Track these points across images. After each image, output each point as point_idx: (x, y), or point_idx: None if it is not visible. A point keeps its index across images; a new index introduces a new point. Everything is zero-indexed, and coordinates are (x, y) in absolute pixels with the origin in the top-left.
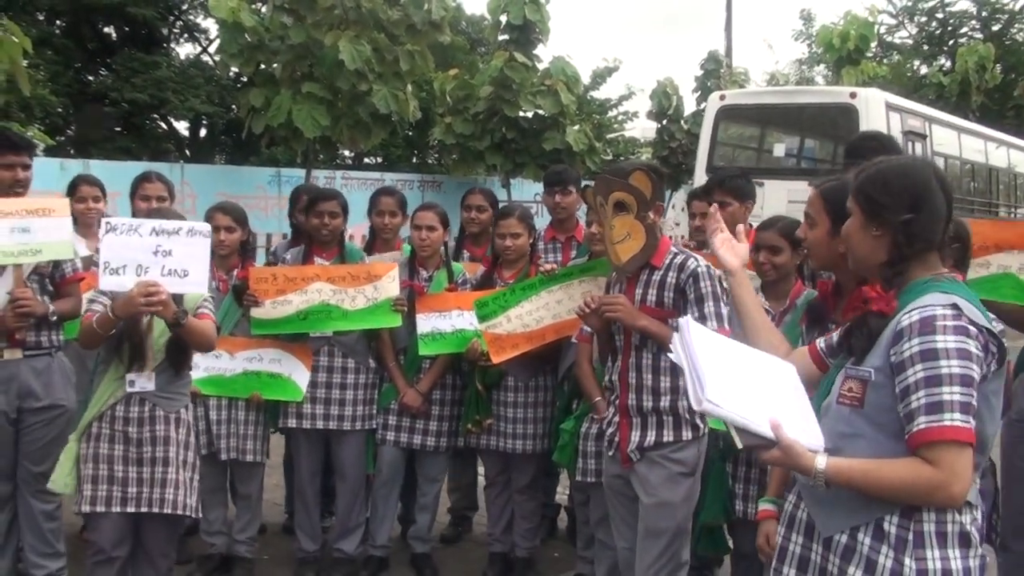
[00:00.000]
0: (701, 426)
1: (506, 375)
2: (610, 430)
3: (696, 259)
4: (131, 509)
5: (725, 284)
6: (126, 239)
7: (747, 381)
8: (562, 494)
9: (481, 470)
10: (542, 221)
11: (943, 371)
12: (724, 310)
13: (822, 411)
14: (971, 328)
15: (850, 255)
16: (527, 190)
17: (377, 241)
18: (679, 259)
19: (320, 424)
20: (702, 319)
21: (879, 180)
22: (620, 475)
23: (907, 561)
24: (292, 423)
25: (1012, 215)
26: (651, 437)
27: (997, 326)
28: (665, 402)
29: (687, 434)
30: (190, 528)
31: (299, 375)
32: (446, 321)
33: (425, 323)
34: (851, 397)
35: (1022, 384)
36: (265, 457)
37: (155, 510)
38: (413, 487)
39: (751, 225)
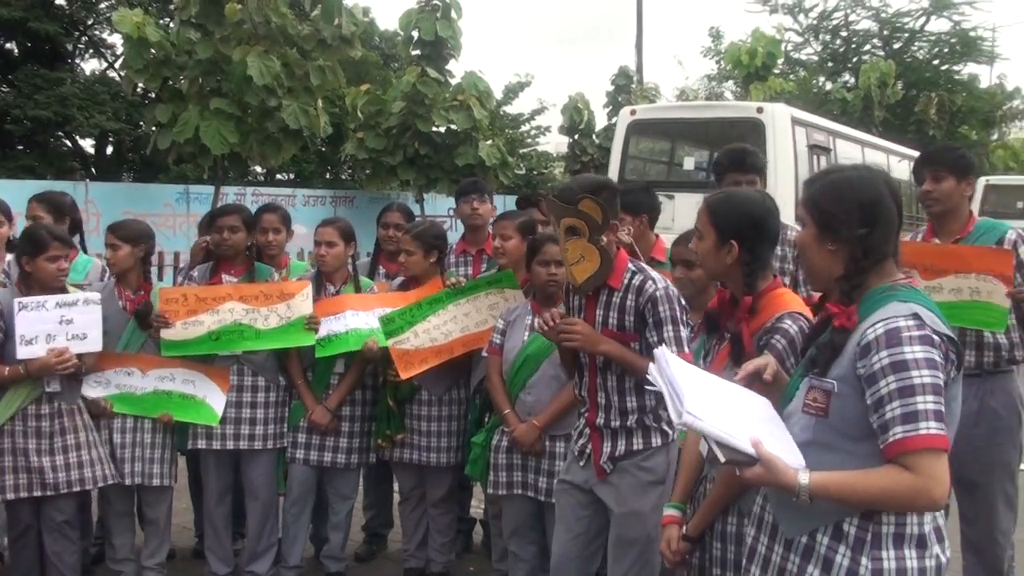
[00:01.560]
0: (670, 432)
1: (419, 389)
2: (581, 441)
3: (654, 280)
4: (50, 493)
5: (684, 303)
6: (36, 314)
7: (725, 404)
8: (477, 508)
9: (396, 486)
10: (454, 235)
11: (915, 381)
12: (684, 333)
13: (784, 417)
14: (934, 337)
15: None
16: (440, 205)
17: (263, 258)
18: (637, 280)
19: (231, 444)
20: (661, 343)
21: (831, 192)
22: (574, 482)
23: (863, 561)
24: (202, 444)
25: (915, 226)
26: (622, 446)
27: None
28: (632, 420)
29: (656, 440)
30: (96, 557)
31: (214, 398)
32: (339, 323)
33: (320, 327)
34: (816, 407)
35: None
36: (173, 480)
37: (74, 489)
38: (325, 506)
39: (657, 235)
